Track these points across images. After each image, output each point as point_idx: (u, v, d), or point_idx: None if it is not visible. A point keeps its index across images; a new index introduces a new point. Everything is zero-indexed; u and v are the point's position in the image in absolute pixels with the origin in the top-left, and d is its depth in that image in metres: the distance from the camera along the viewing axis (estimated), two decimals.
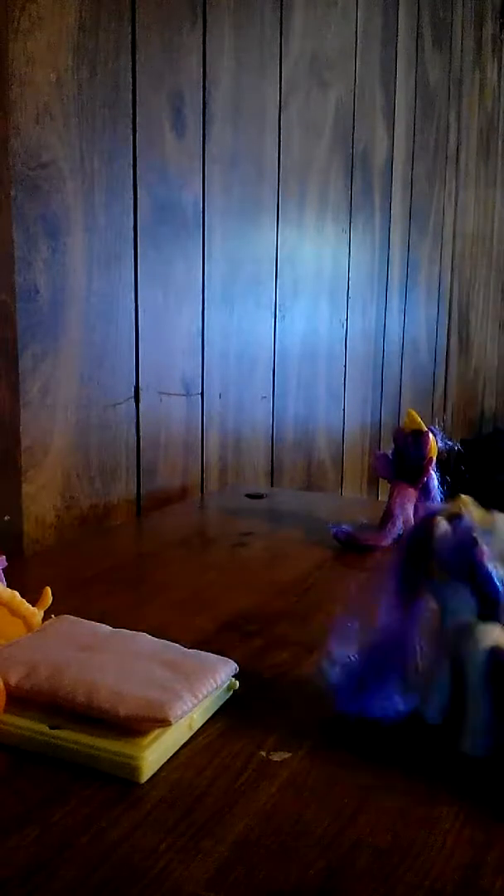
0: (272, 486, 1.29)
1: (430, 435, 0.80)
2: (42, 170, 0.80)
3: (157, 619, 0.62)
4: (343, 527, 0.83)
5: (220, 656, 0.50)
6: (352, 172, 1.47)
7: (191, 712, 0.45)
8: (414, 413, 0.81)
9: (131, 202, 0.93)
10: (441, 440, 0.80)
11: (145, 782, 0.41)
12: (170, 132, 0.98)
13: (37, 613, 0.53)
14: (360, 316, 1.57)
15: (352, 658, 0.48)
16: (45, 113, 0.80)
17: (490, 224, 2.38)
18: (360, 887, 0.35)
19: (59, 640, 0.51)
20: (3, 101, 0.75)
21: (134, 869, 0.35)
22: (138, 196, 0.93)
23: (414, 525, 0.48)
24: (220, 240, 1.10)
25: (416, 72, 1.72)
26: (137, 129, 0.92)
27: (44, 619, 0.53)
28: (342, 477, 1.55)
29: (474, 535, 0.44)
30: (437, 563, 0.45)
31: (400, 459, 0.81)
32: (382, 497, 1.51)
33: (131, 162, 0.92)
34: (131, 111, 0.91)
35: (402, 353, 1.79)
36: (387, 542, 0.79)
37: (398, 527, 0.79)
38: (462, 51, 2.00)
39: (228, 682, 0.49)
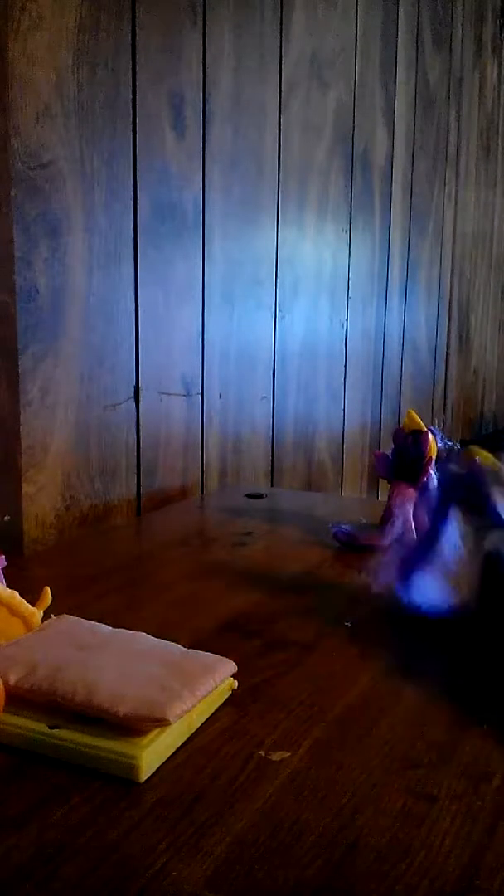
0: (272, 486, 1.29)
1: (430, 435, 0.80)
2: (42, 170, 0.80)
3: (157, 619, 0.62)
4: (343, 527, 0.83)
5: (219, 656, 0.50)
6: (352, 172, 1.47)
7: (190, 712, 0.45)
8: (414, 413, 0.81)
9: (131, 202, 0.93)
10: (441, 440, 0.80)
11: (144, 782, 0.41)
12: (170, 132, 0.98)
13: (36, 613, 0.53)
14: (360, 316, 1.57)
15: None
16: (45, 113, 0.80)
17: (490, 224, 2.38)
18: (360, 887, 0.35)
19: (59, 639, 0.51)
20: (3, 101, 0.75)
21: (133, 868, 0.35)
22: (138, 196, 0.93)
23: (442, 467, 0.66)
24: (220, 240, 1.10)
25: (416, 72, 1.72)
26: (137, 129, 0.92)
27: (43, 618, 0.53)
28: (342, 477, 1.55)
29: (483, 470, 0.61)
30: (459, 490, 0.61)
31: (400, 459, 0.81)
32: (382, 497, 1.51)
33: (131, 162, 0.92)
34: (131, 111, 0.91)
35: (402, 353, 1.79)
36: (387, 542, 0.79)
37: (398, 527, 0.79)
38: (462, 51, 2.00)
39: (227, 682, 0.49)
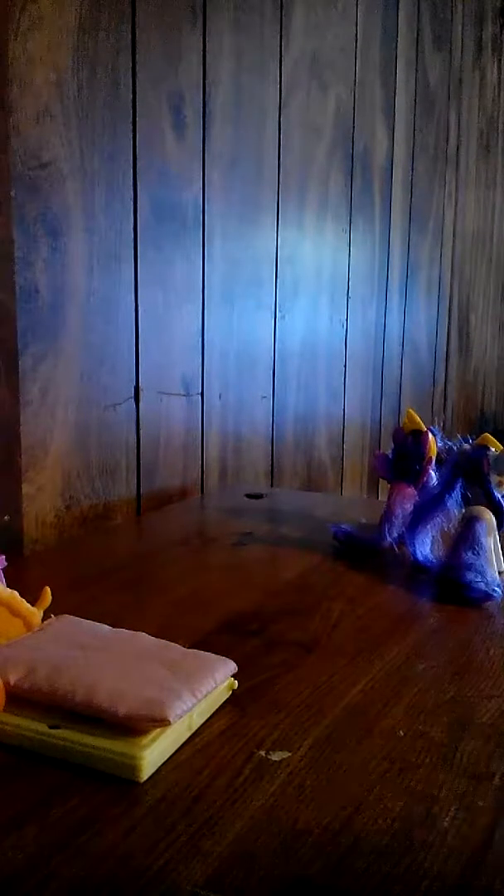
0: (272, 486, 1.29)
1: (430, 435, 0.80)
2: (42, 170, 0.80)
3: (157, 619, 0.62)
4: (343, 527, 0.83)
5: (219, 656, 0.50)
6: (352, 172, 1.47)
7: (190, 712, 0.45)
8: (414, 413, 0.81)
9: (131, 202, 0.93)
10: (441, 440, 0.80)
11: (144, 782, 0.41)
12: (170, 132, 0.98)
13: (36, 613, 0.53)
14: (360, 316, 1.57)
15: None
16: (45, 113, 0.80)
17: (490, 224, 2.38)
18: (360, 887, 0.35)
19: (59, 639, 0.51)
20: (3, 101, 0.75)
21: (133, 868, 0.35)
22: (138, 196, 0.93)
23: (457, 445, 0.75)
24: (220, 240, 1.10)
25: (416, 72, 1.73)
26: (137, 129, 0.92)
27: (43, 618, 0.53)
28: (342, 477, 1.55)
29: (486, 453, 0.72)
30: (465, 464, 0.72)
31: (400, 459, 0.81)
32: (382, 497, 1.51)
33: (131, 162, 0.92)
34: (131, 111, 0.91)
35: (402, 353, 1.79)
36: (387, 542, 0.79)
37: (398, 527, 0.79)
38: (462, 51, 2.00)
39: (228, 682, 0.49)
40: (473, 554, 0.70)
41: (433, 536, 0.75)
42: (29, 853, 0.36)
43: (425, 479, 0.80)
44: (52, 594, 0.54)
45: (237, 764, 0.43)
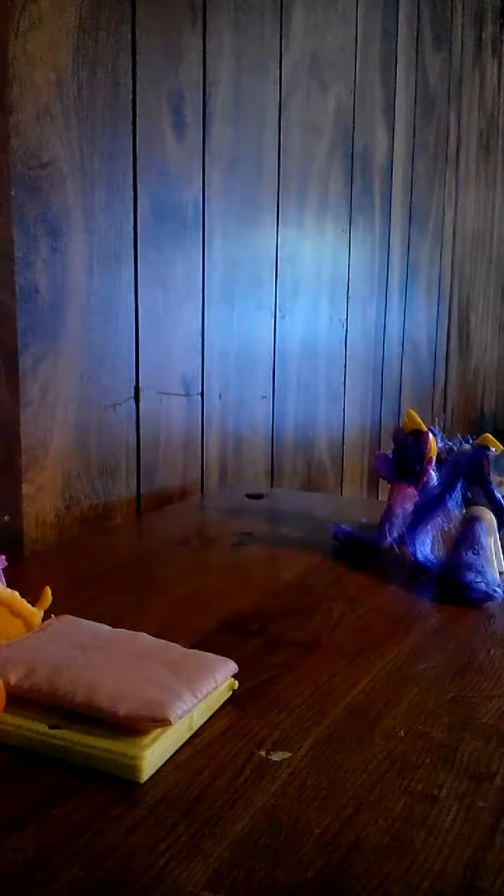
0: (272, 486, 1.29)
1: (430, 435, 0.80)
2: (42, 170, 0.80)
3: (157, 619, 0.62)
4: (343, 527, 0.83)
5: (219, 656, 0.50)
6: (352, 172, 1.47)
7: (190, 712, 0.45)
8: (414, 413, 0.81)
9: (131, 202, 0.93)
10: (441, 440, 0.80)
11: (145, 782, 0.41)
12: (170, 132, 0.98)
13: (37, 613, 0.53)
14: (360, 316, 1.57)
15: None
16: (45, 113, 0.80)
17: (490, 224, 2.38)
18: (360, 887, 0.35)
19: (59, 639, 0.51)
20: (3, 101, 0.75)
21: (133, 869, 0.35)
22: (138, 196, 0.93)
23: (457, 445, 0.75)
24: (220, 240, 1.10)
25: (416, 72, 1.72)
26: (137, 129, 0.92)
27: (44, 618, 0.53)
28: (342, 477, 1.55)
29: (486, 453, 0.72)
30: (466, 463, 0.73)
31: (400, 459, 0.81)
32: (382, 497, 1.51)
33: (131, 162, 0.92)
34: (131, 111, 0.91)
35: (402, 353, 1.79)
36: (387, 542, 0.79)
37: (398, 527, 0.79)
38: (462, 51, 2.00)
39: (228, 682, 0.49)
40: (474, 554, 0.70)
41: (433, 536, 0.75)
42: (29, 854, 0.36)
43: (426, 479, 0.80)
44: (53, 594, 0.54)
45: (238, 764, 0.43)
